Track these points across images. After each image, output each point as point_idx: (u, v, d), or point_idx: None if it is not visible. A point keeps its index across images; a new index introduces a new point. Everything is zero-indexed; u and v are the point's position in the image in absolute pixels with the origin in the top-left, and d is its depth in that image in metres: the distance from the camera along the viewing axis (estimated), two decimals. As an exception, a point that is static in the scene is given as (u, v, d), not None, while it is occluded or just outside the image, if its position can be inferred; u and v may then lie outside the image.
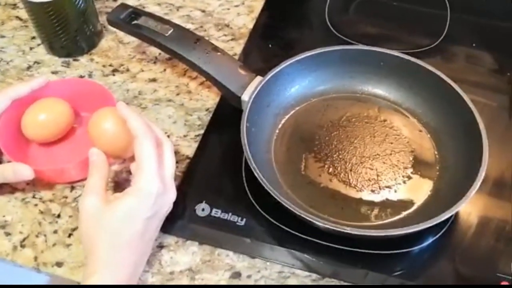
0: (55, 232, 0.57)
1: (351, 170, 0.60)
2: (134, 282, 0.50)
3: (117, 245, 0.48)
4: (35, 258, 0.55)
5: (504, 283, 0.53)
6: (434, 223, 0.51)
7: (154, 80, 0.71)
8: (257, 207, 0.57)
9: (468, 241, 0.56)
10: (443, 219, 0.51)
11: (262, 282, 0.53)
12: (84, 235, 0.50)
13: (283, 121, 0.64)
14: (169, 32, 0.64)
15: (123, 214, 0.49)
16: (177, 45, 0.64)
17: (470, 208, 0.58)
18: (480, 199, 0.59)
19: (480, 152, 0.55)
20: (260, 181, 0.53)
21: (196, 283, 0.53)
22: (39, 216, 0.58)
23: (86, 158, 0.58)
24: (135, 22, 0.66)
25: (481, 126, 0.57)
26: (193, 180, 0.61)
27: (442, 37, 0.76)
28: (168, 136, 0.64)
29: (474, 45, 0.75)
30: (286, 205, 0.51)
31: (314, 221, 0.51)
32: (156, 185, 0.50)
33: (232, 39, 0.76)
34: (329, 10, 0.80)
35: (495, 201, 0.59)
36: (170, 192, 0.53)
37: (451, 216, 0.54)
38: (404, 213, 0.57)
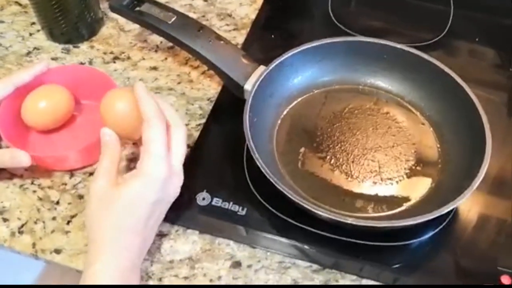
0: (54, 219, 0.56)
1: (353, 162, 0.60)
2: (137, 266, 0.50)
3: (122, 229, 0.48)
4: (33, 245, 0.55)
5: (505, 276, 0.53)
6: (435, 215, 0.50)
7: (155, 68, 0.71)
8: (258, 196, 0.57)
9: (469, 235, 0.56)
10: (444, 211, 0.51)
11: (262, 272, 0.53)
12: (90, 218, 0.50)
13: (285, 112, 0.64)
14: (172, 19, 0.64)
15: (129, 198, 0.48)
16: (180, 33, 0.63)
17: (471, 203, 0.58)
18: (481, 193, 0.59)
19: (482, 146, 0.55)
20: (263, 170, 0.52)
21: (196, 272, 0.53)
22: (37, 202, 0.58)
23: (86, 146, 0.57)
24: (137, 8, 0.65)
25: (484, 120, 0.57)
26: (194, 169, 0.60)
27: (445, 31, 0.76)
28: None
29: (477, 40, 0.75)
30: (288, 195, 0.51)
31: (316, 211, 0.51)
32: (162, 170, 0.49)
33: (234, 29, 0.76)
34: (332, 1, 0.79)
35: (496, 197, 0.59)
36: (177, 178, 0.52)
37: (452, 210, 0.53)
38: (405, 205, 0.56)
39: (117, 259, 0.47)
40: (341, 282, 0.53)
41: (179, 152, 0.52)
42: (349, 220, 0.50)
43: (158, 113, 0.51)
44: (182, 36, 0.63)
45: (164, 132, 0.51)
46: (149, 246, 0.52)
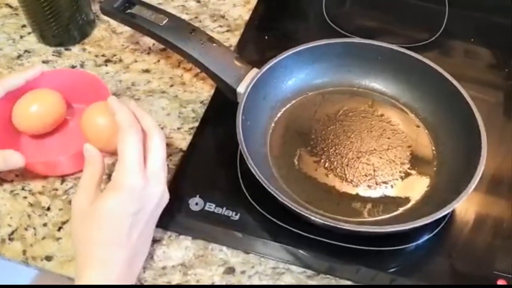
0: (45, 225, 0.56)
1: (347, 165, 0.59)
2: (130, 281, 0.49)
3: (103, 244, 0.47)
4: (24, 252, 0.54)
5: (501, 280, 0.52)
6: (431, 220, 0.50)
7: (147, 71, 0.70)
8: (252, 201, 0.56)
9: (465, 239, 0.56)
10: (440, 216, 0.50)
11: (256, 278, 0.53)
12: (73, 233, 0.49)
13: (279, 114, 0.63)
14: (164, 21, 0.63)
15: (104, 212, 0.47)
16: (172, 35, 0.62)
17: (467, 205, 0.58)
18: (477, 196, 0.58)
19: (478, 148, 0.54)
20: (256, 175, 0.52)
21: (189, 278, 0.52)
22: (28, 208, 0.57)
23: (79, 151, 0.56)
24: (129, 11, 0.64)
25: (480, 121, 0.56)
26: (187, 174, 0.59)
27: (440, 31, 0.75)
28: (161, 129, 0.63)
29: (472, 40, 0.75)
30: (282, 200, 0.51)
31: (310, 217, 0.50)
32: (136, 180, 0.48)
33: (227, 31, 0.75)
34: (326, 2, 0.79)
35: (492, 198, 0.59)
36: (157, 186, 0.50)
37: (448, 213, 0.53)
38: (400, 209, 0.56)
39: (102, 273, 0.46)
40: None
41: (157, 160, 0.50)
42: (344, 226, 0.50)
43: (131, 123, 0.50)
44: (174, 39, 0.62)
45: (138, 141, 0.49)
46: (142, 256, 0.51)
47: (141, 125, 0.51)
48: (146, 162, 0.50)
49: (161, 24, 0.63)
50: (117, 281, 0.47)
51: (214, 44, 0.62)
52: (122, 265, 0.48)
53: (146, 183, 0.49)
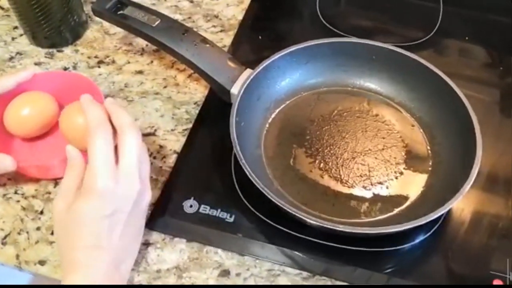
0: (38, 229, 0.55)
1: (342, 166, 0.59)
2: (121, 281, 0.48)
3: (83, 247, 0.47)
4: (17, 256, 0.53)
5: (497, 280, 0.52)
6: (427, 220, 0.50)
7: (140, 72, 0.69)
8: (247, 203, 0.56)
9: (461, 238, 0.55)
10: (436, 216, 0.50)
11: (251, 280, 0.52)
12: (56, 239, 0.49)
13: (273, 115, 0.63)
14: (156, 23, 0.62)
15: (79, 217, 0.47)
16: (164, 37, 0.62)
17: (463, 204, 0.57)
18: (473, 195, 0.58)
19: (473, 147, 0.54)
20: (250, 177, 0.51)
21: (184, 281, 0.52)
22: (21, 212, 0.56)
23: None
24: (121, 12, 0.64)
25: (475, 120, 0.56)
26: (181, 176, 0.59)
27: (434, 30, 0.75)
28: (155, 130, 0.63)
29: (467, 38, 0.74)
30: (276, 202, 0.50)
31: (305, 219, 0.50)
32: (104, 183, 0.46)
33: (221, 31, 0.74)
34: (320, 2, 0.78)
35: (489, 197, 0.59)
36: (129, 186, 0.48)
37: (444, 213, 0.53)
38: (396, 210, 0.56)
39: (85, 276, 0.46)
40: (332, 289, 0.52)
41: (129, 159, 0.48)
42: (340, 228, 0.49)
43: (100, 123, 0.49)
44: (167, 40, 0.61)
45: (107, 142, 0.48)
46: (130, 256, 0.50)
47: (113, 123, 0.50)
48: (118, 162, 0.48)
49: (153, 25, 0.62)
50: (105, 282, 0.46)
51: (207, 45, 0.62)
52: (106, 267, 0.47)
53: (117, 184, 0.47)
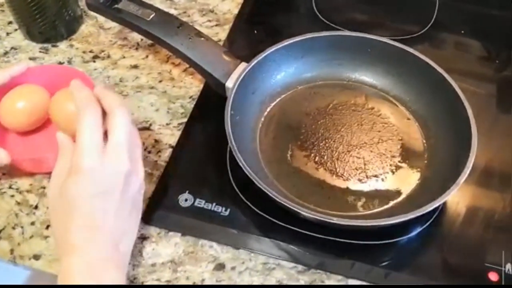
0: (33, 223, 0.55)
1: (337, 159, 0.59)
2: (123, 262, 0.48)
3: (77, 229, 0.46)
4: (11, 251, 0.53)
5: (492, 273, 0.52)
6: (422, 213, 0.49)
7: (136, 66, 0.69)
8: (242, 197, 0.56)
9: (456, 231, 0.55)
10: (431, 208, 0.50)
11: (246, 274, 0.52)
12: (51, 223, 0.49)
13: (268, 109, 0.63)
14: (151, 16, 0.62)
15: (69, 198, 0.46)
16: (159, 30, 0.62)
17: (458, 197, 0.57)
18: (468, 188, 0.58)
19: (468, 140, 0.54)
20: (245, 170, 0.51)
21: (179, 275, 0.52)
22: (15, 207, 0.56)
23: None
24: (115, 6, 0.64)
25: (470, 114, 0.56)
26: (176, 170, 0.59)
27: (430, 23, 0.75)
28: (150, 125, 0.63)
29: (462, 32, 0.74)
30: (271, 195, 0.50)
31: (300, 211, 0.50)
32: (91, 161, 0.46)
33: (216, 25, 0.74)
34: (316, -5, 0.78)
35: (483, 190, 0.59)
36: (118, 164, 0.47)
37: (439, 206, 0.52)
38: (391, 203, 0.55)
39: (82, 258, 0.45)
40: (327, 282, 0.52)
41: (117, 137, 0.48)
42: (334, 220, 0.49)
43: (88, 103, 0.49)
44: (161, 34, 0.61)
45: (95, 122, 0.48)
46: (129, 236, 0.50)
47: (102, 105, 0.50)
48: (107, 141, 0.48)
49: (148, 19, 0.62)
50: (105, 263, 0.46)
51: (202, 39, 0.62)
52: (103, 246, 0.46)
53: (105, 162, 0.47)
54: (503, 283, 0.51)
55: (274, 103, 0.63)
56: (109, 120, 0.49)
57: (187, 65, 0.65)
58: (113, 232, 0.48)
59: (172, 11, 0.75)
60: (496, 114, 0.66)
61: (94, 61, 0.70)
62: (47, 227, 0.55)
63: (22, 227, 0.55)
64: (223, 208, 0.56)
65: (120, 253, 0.48)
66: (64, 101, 0.54)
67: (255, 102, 0.62)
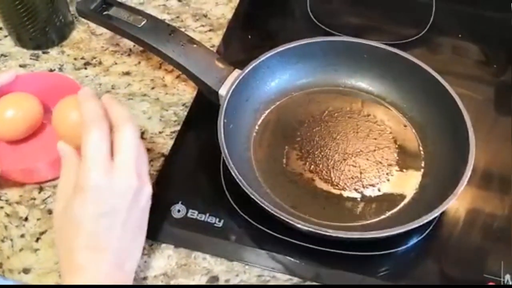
0: (22, 236, 0.54)
1: (333, 168, 0.57)
2: (128, 281, 0.47)
3: (81, 249, 0.45)
4: (0, 265, 0.52)
5: (491, 284, 0.51)
6: (419, 224, 0.49)
7: (128, 73, 0.68)
8: (236, 208, 0.55)
9: (455, 241, 0.54)
10: (428, 219, 0.49)
11: (240, 287, 0.51)
12: (56, 241, 0.48)
13: (263, 117, 0.62)
14: (142, 23, 0.61)
15: (74, 217, 0.45)
16: (150, 37, 0.60)
17: (457, 205, 0.56)
18: (467, 195, 0.57)
19: (466, 147, 0.53)
20: (238, 181, 0.50)
21: (172, 288, 0.51)
22: (5, 219, 0.55)
23: (57, 156, 0.54)
24: (106, 12, 0.63)
25: (467, 120, 0.55)
26: (169, 180, 0.58)
27: (427, 27, 0.74)
28: (142, 133, 0.62)
29: (460, 36, 0.73)
30: (265, 207, 0.49)
31: (295, 223, 0.49)
32: (98, 179, 0.45)
33: (210, 30, 0.73)
34: (311, 0, 0.77)
35: (482, 198, 0.58)
36: (125, 181, 0.46)
37: (437, 216, 0.51)
38: (388, 213, 0.54)
39: (86, 279, 0.44)
40: (323, 295, 0.51)
41: (125, 153, 0.47)
42: (330, 232, 0.48)
43: (95, 118, 0.47)
44: (153, 40, 0.60)
45: (102, 138, 0.46)
46: (133, 255, 0.49)
47: (110, 118, 0.48)
48: (114, 158, 0.46)
49: (139, 26, 0.61)
50: (109, 283, 0.45)
51: (195, 45, 0.61)
52: (108, 268, 0.45)
53: (113, 180, 0.45)
54: (502, 295, 0.50)
55: (269, 110, 0.62)
56: (116, 134, 0.47)
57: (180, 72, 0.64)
58: (118, 252, 0.47)
59: (165, 16, 0.74)
60: (494, 119, 0.65)
61: (86, 68, 0.68)
62: (37, 239, 0.54)
63: (11, 239, 0.54)
64: (217, 219, 0.54)
65: (125, 273, 0.48)
66: (68, 110, 0.51)
67: (249, 110, 0.61)
